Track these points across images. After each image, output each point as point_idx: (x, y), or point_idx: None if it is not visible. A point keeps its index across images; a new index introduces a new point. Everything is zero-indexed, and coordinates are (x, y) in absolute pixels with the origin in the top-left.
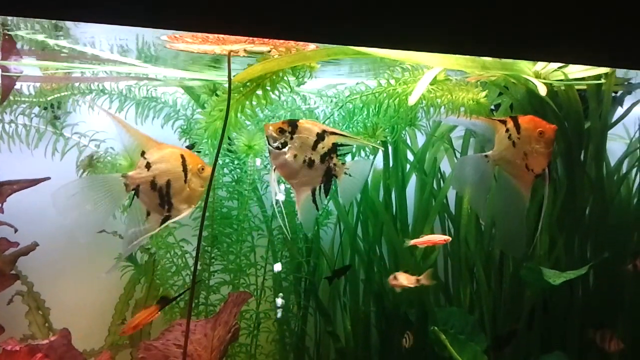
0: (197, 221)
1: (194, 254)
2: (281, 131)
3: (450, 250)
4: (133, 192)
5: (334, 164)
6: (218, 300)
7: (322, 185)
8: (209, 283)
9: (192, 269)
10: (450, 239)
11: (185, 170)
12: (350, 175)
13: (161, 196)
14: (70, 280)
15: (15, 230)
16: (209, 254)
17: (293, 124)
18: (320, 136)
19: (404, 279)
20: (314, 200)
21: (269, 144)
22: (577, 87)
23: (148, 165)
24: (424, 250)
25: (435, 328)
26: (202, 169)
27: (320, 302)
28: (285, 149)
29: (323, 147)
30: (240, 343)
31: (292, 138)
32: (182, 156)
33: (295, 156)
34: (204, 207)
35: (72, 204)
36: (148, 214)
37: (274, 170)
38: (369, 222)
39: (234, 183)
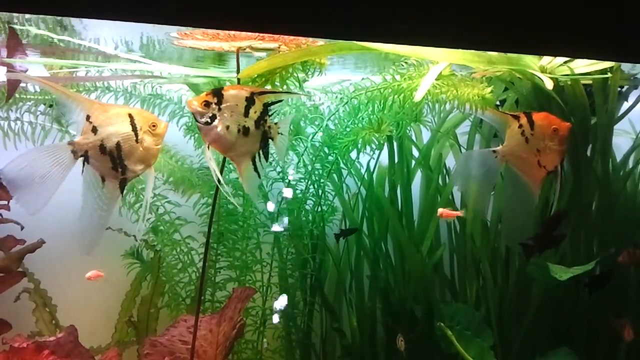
0: (203, 218)
1: (199, 251)
2: (206, 104)
3: (456, 246)
4: (82, 158)
5: (269, 127)
6: (224, 297)
7: (261, 151)
8: (215, 280)
9: (199, 265)
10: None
11: (135, 129)
12: (282, 134)
13: (113, 159)
14: (77, 278)
15: (22, 228)
16: (215, 251)
17: (218, 94)
18: (250, 100)
19: None
20: (255, 169)
21: (196, 120)
22: (582, 82)
23: (94, 129)
24: (429, 246)
25: (442, 324)
26: (154, 126)
27: (326, 299)
28: (215, 122)
29: (255, 112)
30: (246, 339)
31: (220, 109)
32: (130, 115)
33: (227, 127)
34: (213, 203)
35: (21, 178)
36: (103, 180)
37: (208, 147)
38: (375, 219)
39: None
